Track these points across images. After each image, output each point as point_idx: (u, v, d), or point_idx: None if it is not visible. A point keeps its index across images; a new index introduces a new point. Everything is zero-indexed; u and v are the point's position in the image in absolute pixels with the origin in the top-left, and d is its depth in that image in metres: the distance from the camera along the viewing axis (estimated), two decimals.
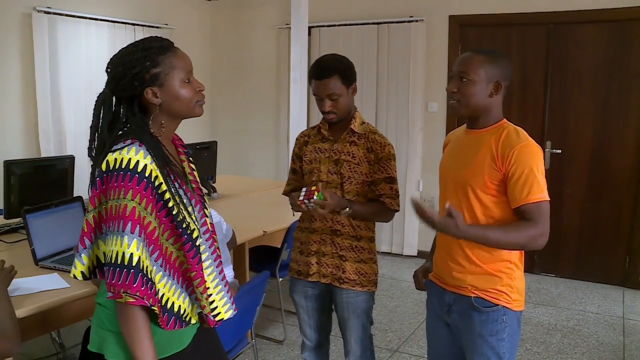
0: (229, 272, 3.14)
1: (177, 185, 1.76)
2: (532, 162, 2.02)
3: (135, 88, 1.71)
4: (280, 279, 4.11)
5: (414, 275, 2.52)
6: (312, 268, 2.65)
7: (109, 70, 1.75)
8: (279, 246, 4.08)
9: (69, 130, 5.47)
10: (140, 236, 1.62)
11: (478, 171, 2.09)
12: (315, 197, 2.40)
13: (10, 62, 5.12)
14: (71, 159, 3.90)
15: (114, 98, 1.75)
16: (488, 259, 2.13)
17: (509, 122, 2.17)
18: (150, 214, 1.67)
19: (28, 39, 5.17)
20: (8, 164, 3.47)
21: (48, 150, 5.31)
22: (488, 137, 2.12)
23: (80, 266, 1.74)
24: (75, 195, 3.65)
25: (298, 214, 2.77)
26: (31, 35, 5.15)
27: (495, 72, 2.10)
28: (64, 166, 3.85)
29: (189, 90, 1.77)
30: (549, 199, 2.03)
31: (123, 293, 1.61)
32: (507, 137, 2.07)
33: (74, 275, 1.75)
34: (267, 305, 4.56)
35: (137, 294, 1.61)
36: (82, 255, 1.73)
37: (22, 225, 3.26)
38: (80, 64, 5.53)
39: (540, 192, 2.00)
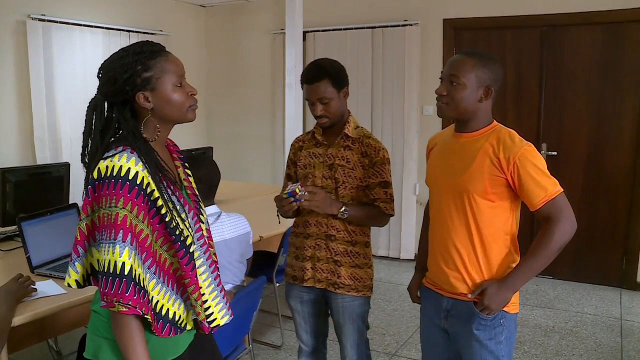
0: (235, 283, 3.13)
1: (170, 192, 1.75)
2: (535, 162, 2.02)
3: (127, 93, 1.70)
4: (277, 284, 4.10)
5: (408, 289, 2.54)
6: (307, 273, 2.64)
7: (100, 75, 1.74)
8: (276, 251, 4.08)
9: (64, 138, 5.47)
10: (132, 244, 1.62)
11: (477, 177, 2.07)
12: (298, 193, 2.41)
13: (5, 70, 5.12)
14: (67, 166, 3.90)
15: (106, 103, 1.74)
16: (486, 263, 2.13)
17: (499, 124, 2.16)
18: (142, 222, 1.66)
19: (22, 46, 5.17)
20: (3, 172, 3.46)
21: (43, 157, 5.31)
22: (482, 142, 2.11)
23: (74, 274, 1.74)
24: (70, 202, 3.64)
25: (285, 221, 2.79)
26: (26, 42, 5.16)
27: (486, 77, 2.08)
28: (59, 173, 3.85)
29: (181, 94, 1.76)
30: (561, 189, 2.03)
31: (116, 302, 1.61)
32: (504, 143, 2.05)
33: (68, 283, 1.75)
34: (264, 310, 4.55)
35: (130, 303, 1.61)
36: (76, 263, 1.73)
37: (17, 232, 3.26)
38: (75, 71, 5.54)
39: (552, 187, 2.01)
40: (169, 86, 1.73)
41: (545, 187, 2.00)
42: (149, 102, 1.72)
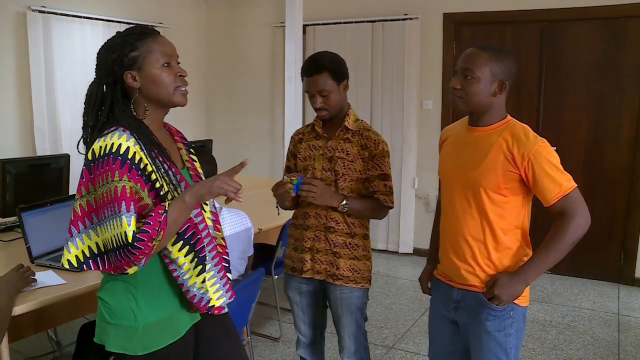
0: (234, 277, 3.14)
1: (166, 167, 1.79)
2: (550, 158, 2.02)
3: (116, 72, 1.75)
4: (276, 276, 4.11)
5: (419, 280, 2.54)
6: (306, 264, 2.66)
7: (96, 58, 1.80)
8: (274, 244, 4.09)
9: (64, 129, 5.47)
10: (136, 212, 1.66)
11: (490, 172, 2.07)
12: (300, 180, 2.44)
13: (5, 62, 5.12)
14: (66, 157, 3.91)
15: (104, 86, 1.79)
16: (498, 257, 2.14)
17: (513, 119, 2.16)
18: (142, 191, 1.70)
19: (23, 38, 5.16)
20: (3, 163, 3.47)
21: (43, 149, 5.32)
22: (496, 136, 2.10)
23: (67, 254, 1.75)
24: (70, 193, 3.65)
25: (284, 213, 2.80)
26: (26, 34, 5.15)
27: (500, 71, 2.07)
28: (59, 165, 3.86)
29: (168, 75, 1.79)
30: (575, 185, 2.04)
31: (127, 268, 1.66)
32: (519, 139, 2.05)
33: (62, 263, 1.77)
34: (262, 302, 4.57)
35: (142, 258, 1.65)
36: (69, 243, 1.75)
37: (17, 223, 3.27)
38: (75, 62, 5.53)
39: (566, 183, 2.02)
40: (155, 65, 1.77)
41: (559, 182, 2.01)
42: (136, 81, 1.77)
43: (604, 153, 5.36)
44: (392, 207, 2.65)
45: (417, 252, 6.19)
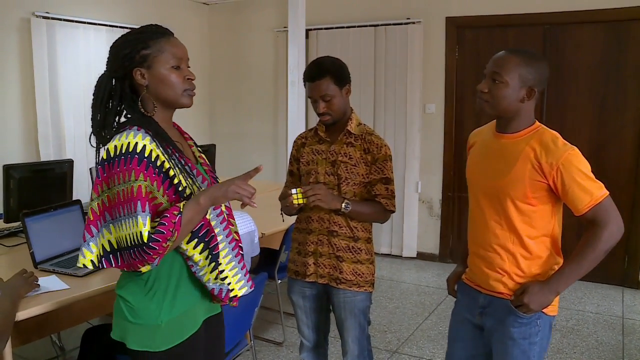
0: None
1: (183, 162, 1.81)
2: (580, 166, 1.99)
3: (125, 68, 1.78)
4: (279, 281, 4.11)
5: (447, 281, 2.51)
6: (310, 268, 2.66)
7: (109, 51, 1.83)
8: (278, 248, 4.09)
9: (68, 135, 5.46)
10: (151, 212, 1.67)
11: (518, 181, 2.03)
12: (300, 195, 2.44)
13: (9, 67, 5.14)
14: (70, 163, 3.92)
15: (113, 80, 1.82)
16: (527, 266, 2.11)
17: (542, 125, 2.12)
18: (158, 191, 1.71)
19: (27, 44, 5.18)
20: (7, 168, 3.48)
21: (47, 154, 5.32)
22: (523, 145, 2.06)
23: (89, 255, 1.76)
24: (74, 198, 3.66)
25: (288, 219, 2.81)
26: (30, 40, 5.17)
27: (530, 77, 2.02)
28: (62, 170, 3.87)
29: (177, 76, 1.81)
30: (607, 193, 2.00)
31: (141, 266, 1.68)
32: (547, 148, 2.01)
33: (84, 264, 1.77)
34: (266, 307, 4.57)
35: (156, 258, 1.67)
36: (90, 243, 1.76)
37: (21, 229, 3.27)
38: (78, 68, 5.55)
39: (598, 191, 1.98)
40: (165, 66, 1.80)
41: (590, 191, 1.97)
42: (144, 79, 1.79)
43: (607, 155, 5.36)
44: (394, 211, 2.65)
45: (420, 256, 6.19)
